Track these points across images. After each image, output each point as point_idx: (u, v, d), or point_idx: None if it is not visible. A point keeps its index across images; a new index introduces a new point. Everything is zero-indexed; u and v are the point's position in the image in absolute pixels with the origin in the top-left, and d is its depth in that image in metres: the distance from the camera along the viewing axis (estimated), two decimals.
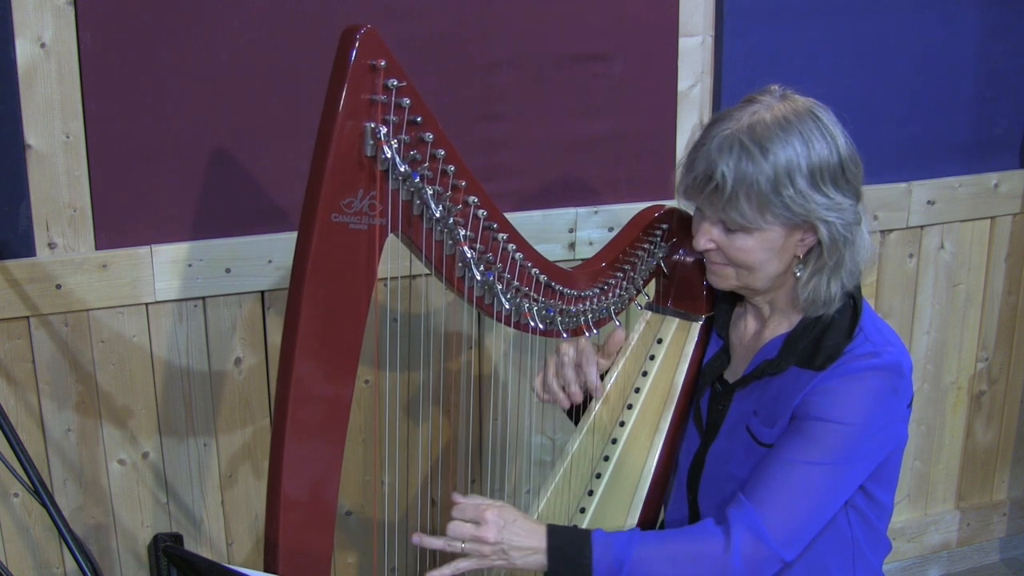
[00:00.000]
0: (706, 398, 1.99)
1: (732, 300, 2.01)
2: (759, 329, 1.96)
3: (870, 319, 1.88)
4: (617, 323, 2.00)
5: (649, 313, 2.11)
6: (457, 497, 1.81)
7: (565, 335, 1.93)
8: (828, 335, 1.83)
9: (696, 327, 2.05)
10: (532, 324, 1.88)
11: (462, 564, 1.79)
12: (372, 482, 2.62)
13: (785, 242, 1.80)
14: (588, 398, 2.05)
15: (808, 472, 1.76)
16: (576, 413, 2.10)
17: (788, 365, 1.84)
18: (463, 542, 1.77)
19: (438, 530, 2.67)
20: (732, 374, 1.98)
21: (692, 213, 1.93)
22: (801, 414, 1.79)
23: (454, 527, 1.78)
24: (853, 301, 1.86)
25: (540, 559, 1.77)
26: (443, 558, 1.82)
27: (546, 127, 2.59)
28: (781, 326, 1.91)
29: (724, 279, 1.88)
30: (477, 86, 2.51)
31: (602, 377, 2.05)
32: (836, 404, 1.77)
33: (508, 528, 1.76)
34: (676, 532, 1.80)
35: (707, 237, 1.82)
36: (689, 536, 1.78)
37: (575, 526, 1.89)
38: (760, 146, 1.73)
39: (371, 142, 1.61)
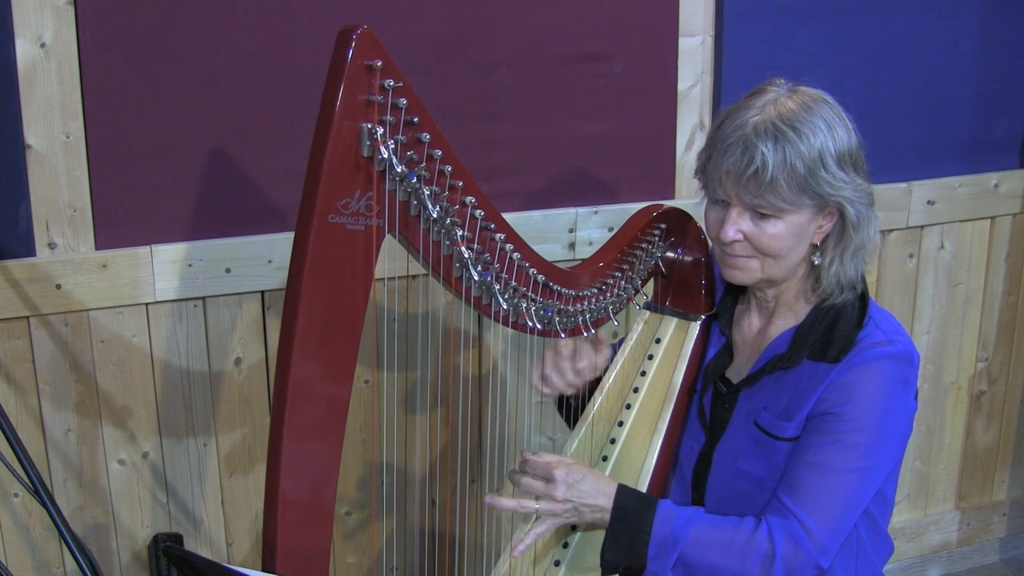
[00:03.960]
0: (709, 397, 1.99)
1: (734, 297, 2.02)
2: (763, 326, 1.96)
3: (877, 309, 1.90)
4: (615, 322, 2.00)
5: (647, 313, 2.11)
6: (527, 455, 1.86)
7: (563, 335, 1.93)
8: (838, 325, 1.85)
9: (695, 326, 2.05)
10: (530, 324, 1.88)
11: (540, 529, 1.85)
12: (371, 482, 2.62)
13: (809, 227, 1.82)
14: (585, 398, 2.06)
15: (845, 479, 1.79)
16: (569, 414, 2.11)
17: (801, 358, 1.86)
18: (536, 500, 1.82)
19: (438, 530, 2.69)
20: (735, 373, 1.98)
21: (693, 211, 1.93)
22: (823, 411, 1.81)
23: (526, 483, 1.83)
24: (859, 290, 1.88)
25: (605, 516, 1.82)
26: (444, 559, 1.83)
27: (546, 127, 2.60)
28: (787, 321, 1.92)
29: (748, 272, 1.87)
30: (477, 86, 2.51)
31: (596, 384, 2.07)
32: (855, 398, 1.79)
33: (576, 486, 1.81)
34: (731, 522, 1.81)
35: (736, 228, 1.82)
36: (742, 530, 1.79)
37: (643, 492, 1.91)
38: (795, 130, 1.75)
39: (368, 143, 1.61)
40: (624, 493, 1.83)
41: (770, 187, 1.76)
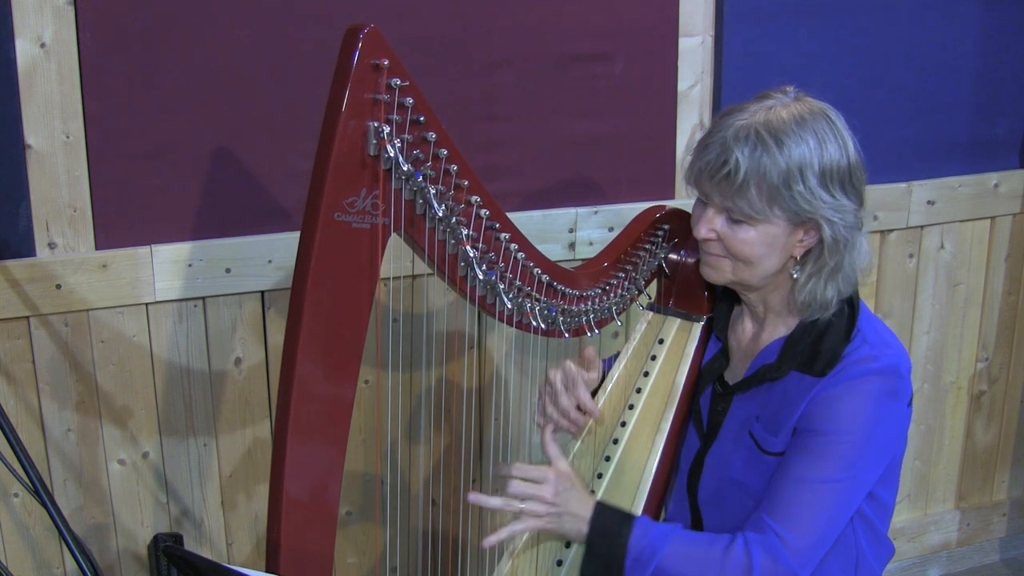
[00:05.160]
0: (706, 398, 1.99)
1: (731, 301, 2.01)
2: (756, 332, 1.96)
3: (867, 321, 1.88)
4: (619, 323, 2.00)
5: (651, 313, 2.11)
6: (518, 464, 1.83)
7: (567, 335, 1.93)
8: (826, 338, 1.84)
9: (697, 327, 2.05)
10: (534, 324, 1.88)
11: (516, 527, 1.82)
12: (373, 482, 2.61)
13: (786, 239, 1.80)
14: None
15: (821, 490, 1.77)
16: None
17: (788, 370, 1.85)
18: (521, 501, 1.80)
19: (439, 531, 2.68)
20: (732, 375, 1.98)
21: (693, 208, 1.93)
22: (806, 426, 1.80)
23: (515, 486, 1.80)
24: (850, 303, 1.87)
25: (583, 528, 1.80)
26: (445, 560, 1.82)
27: (546, 127, 2.60)
28: (778, 329, 1.91)
29: (719, 272, 1.88)
30: (477, 86, 2.51)
31: (593, 394, 2.05)
32: (839, 414, 1.78)
33: (565, 493, 1.80)
34: (708, 538, 1.81)
35: (709, 226, 1.83)
36: (719, 544, 1.78)
37: (621, 508, 1.90)
38: (776, 139, 1.74)
39: (374, 141, 1.61)
40: (603, 507, 1.82)
41: (740, 192, 1.76)
